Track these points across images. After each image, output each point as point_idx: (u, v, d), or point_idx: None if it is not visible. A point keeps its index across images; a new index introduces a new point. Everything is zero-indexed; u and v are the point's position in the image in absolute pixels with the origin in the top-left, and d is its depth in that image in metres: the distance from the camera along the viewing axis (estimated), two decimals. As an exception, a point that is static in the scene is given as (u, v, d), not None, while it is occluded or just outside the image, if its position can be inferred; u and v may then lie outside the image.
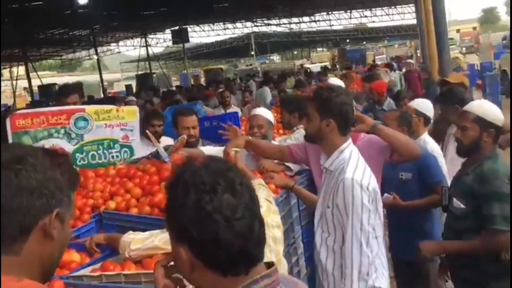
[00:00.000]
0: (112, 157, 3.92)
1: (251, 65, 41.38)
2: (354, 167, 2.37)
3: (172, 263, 1.25)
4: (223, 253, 1.08)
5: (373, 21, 35.32)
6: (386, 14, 32.99)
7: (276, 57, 62.82)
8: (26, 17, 18.60)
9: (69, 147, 3.77)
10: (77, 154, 3.81)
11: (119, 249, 2.25)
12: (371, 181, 2.37)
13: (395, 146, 2.87)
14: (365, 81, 7.93)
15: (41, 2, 17.39)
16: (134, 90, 27.16)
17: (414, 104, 4.24)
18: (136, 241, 2.21)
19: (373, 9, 31.97)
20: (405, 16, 33.07)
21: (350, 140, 2.51)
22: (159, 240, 2.20)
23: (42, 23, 21.53)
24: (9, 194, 1.05)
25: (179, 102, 8.09)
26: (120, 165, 3.49)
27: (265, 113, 4.01)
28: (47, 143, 3.70)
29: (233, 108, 8.12)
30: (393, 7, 31.38)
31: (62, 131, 3.80)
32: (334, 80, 5.81)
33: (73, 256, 2.39)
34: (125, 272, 1.99)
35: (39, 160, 1.11)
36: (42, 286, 1.11)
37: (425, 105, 4.21)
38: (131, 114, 4.07)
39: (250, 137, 3.40)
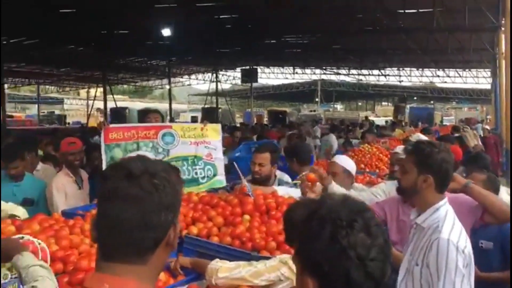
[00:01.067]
0: (196, 173, 4.03)
1: (314, 111, 41.58)
2: (451, 227, 2.28)
3: None
4: None
5: (445, 82, 34.56)
6: (459, 76, 32.26)
7: (339, 106, 62.79)
8: (111, 43, 19.84)
9: None
10: None
11: (206, 275, 2.28)
12: (467, 244, 2.27)
13: (488, 207, 2.74)
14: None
15: (126, 31, 18.48)
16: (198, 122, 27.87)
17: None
18: (223, 270, 2.24)
19: (446, 69, 31.38)
20: (479, 80, 32.30)
21: (446, 199, 2.42)
22: (246, 272, 2.21)
23: (125, 50, 22.83)
24: (150, 210, 1.08)
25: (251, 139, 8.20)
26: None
27: (343, 161, 3.94)
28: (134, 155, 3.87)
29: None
30: (467, 69, 30.70)
31: (150, 145, 3.97)
32: (419, 136, 5.66)
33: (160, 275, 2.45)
34: (214, 299, 2.01)
35: (170, 175, 1.16)
36: None
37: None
38: (214, 133, 4.22)
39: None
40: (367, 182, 5.95)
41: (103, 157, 3.85)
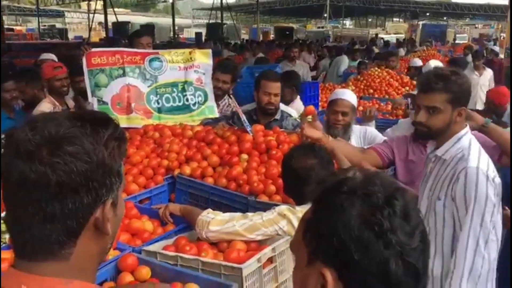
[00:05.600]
0: (187, 99, 3.86)
1: (322, 27, 40.09)
2: (478, 155, 2.08)
3: None
4: None
5: (462, -4, 32.76)
6: (477, -9, 30.54)
7: (348, 22, 60.53)
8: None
9: (143, 88, 3.77)
10: (151, 96, 3.78)
11: (196, 227, 2.07)
12: (496, 174, 2.07)
13: (506, 148, 2.55)
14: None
15: None
16: (203, 38, 27.06)
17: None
18: (215, 222, 2.02)
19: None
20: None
21: (468, 127, 2.21)
22: (240, 225, 2.00)
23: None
24: (49, 198, 0.82)
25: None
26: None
27: (351, 98, 3.41)
28: (122, 82, 3.70)
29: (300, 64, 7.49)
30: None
31: (137, 70, 3.77)
32: (434, 62, 5.18)
33: (146, 224, 2.25)
34: (203, 259, 1.81)
35: (80, 142, 0.84)
36: (92, 286, 0.92)
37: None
38: (204, 56, 3.99)
39: (330, 139, 2.77)
40: (376, 109, 5.66)
41: (87, 83, 3.65)
